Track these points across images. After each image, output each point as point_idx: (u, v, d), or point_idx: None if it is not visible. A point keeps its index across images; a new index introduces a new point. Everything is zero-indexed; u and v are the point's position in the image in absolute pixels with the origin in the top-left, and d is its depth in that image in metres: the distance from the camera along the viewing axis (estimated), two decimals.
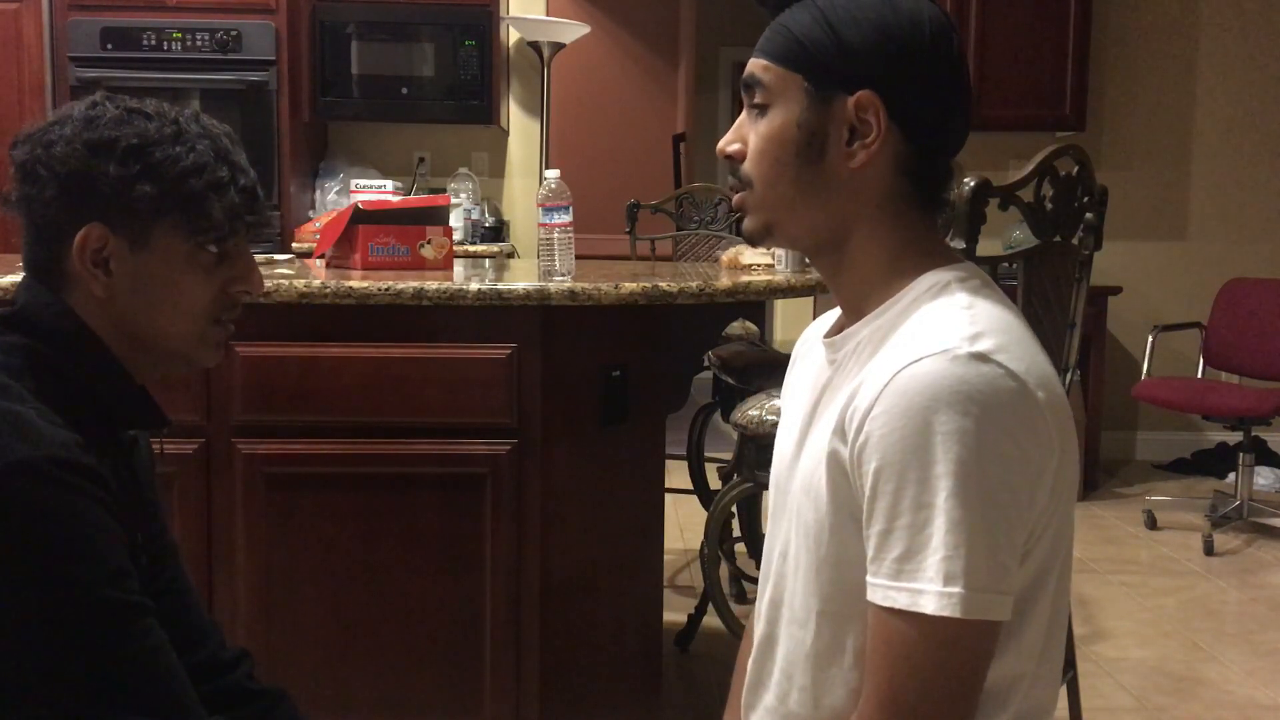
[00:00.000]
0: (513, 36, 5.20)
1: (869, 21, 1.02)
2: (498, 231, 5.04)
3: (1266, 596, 3.61)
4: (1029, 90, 4.96)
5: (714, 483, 3.10)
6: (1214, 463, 5.20)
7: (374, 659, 2.07)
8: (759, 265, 2.50)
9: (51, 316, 1.12)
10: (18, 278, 1.18)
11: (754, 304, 3.12)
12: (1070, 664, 2.24)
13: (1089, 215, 1.97)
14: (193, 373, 1.98)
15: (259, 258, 1.89)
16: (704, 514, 2.79)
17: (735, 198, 1.11)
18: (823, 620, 1.06)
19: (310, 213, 4.81)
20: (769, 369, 2.84)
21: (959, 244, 1.76)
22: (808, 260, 1.58)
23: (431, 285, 1.98)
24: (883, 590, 0.95)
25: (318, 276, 2.08)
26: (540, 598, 2.09)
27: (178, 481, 2.01)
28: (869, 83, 1.02)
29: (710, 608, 2.86)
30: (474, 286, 1.98)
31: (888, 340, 1.01)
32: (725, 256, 2.72)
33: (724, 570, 3.22)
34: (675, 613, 3.04)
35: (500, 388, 2.03)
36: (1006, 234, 4.83)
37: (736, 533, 3.17)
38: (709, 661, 2.98)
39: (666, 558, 2.96)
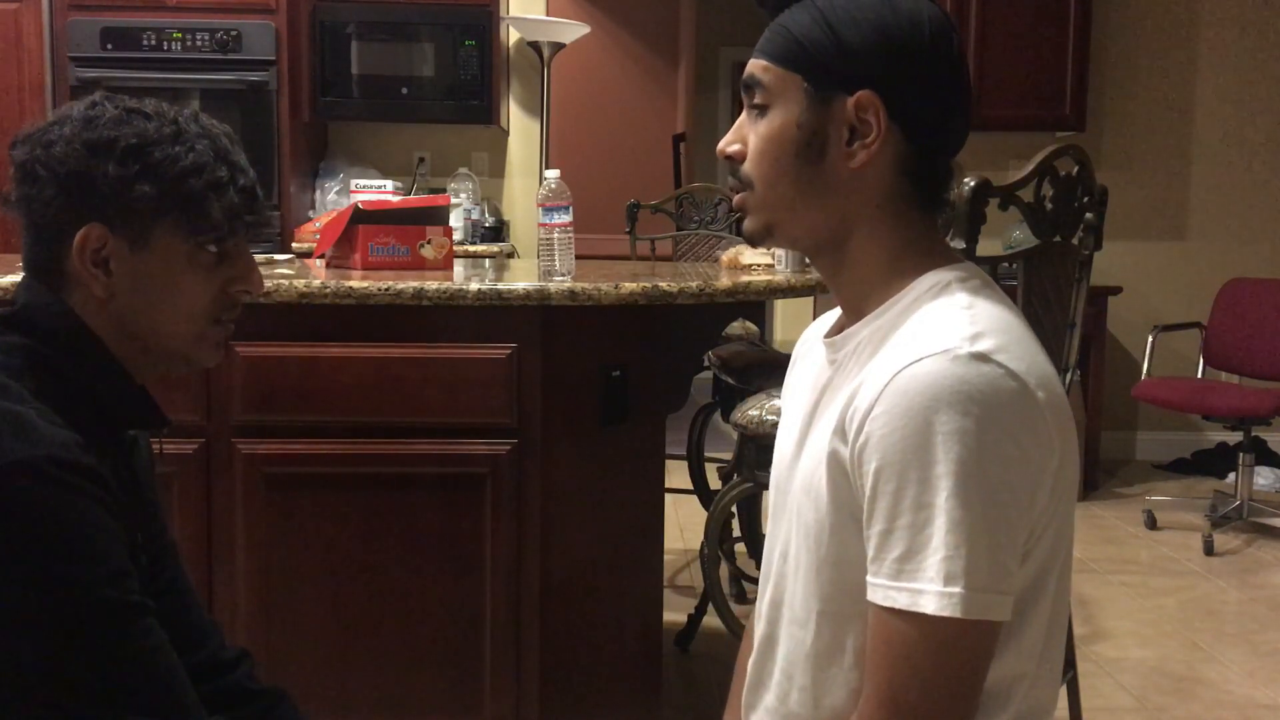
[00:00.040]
0: (513, 36, 5.20)
1: (868, 22, 1.02)
2: (498, 231, 5.04)
3: (1266, 596, 3.61)
4: (1029, 90, 4.96)
5: (714, 483, 3.10)
6: (1214, 463, 5.20)
7: (374, 659, 2.07)
8: (759, 265, 2.50)
9: (51, 316, 1.12)
10: (18, 278, 1.18)
11: (754, 304, 3.12)
12: (1070, 664, 2.25)
13: (1089, 215, 1.97)
14: (193, 373, 1.98)
15: (259, 258, 1.89)
16: (704, 514, 2.79)
17: (736, 198, 1.11)
18: (823, 620, 1.06)
19: (310, 213, 4.81)
20: (769, 369, 2.84)
21: (959, 244, 1.77)
22: (808, 260, 1.58)
23: (431, 285, 1.98)
24: (883, 590, 0.95)
25: (318, 276, 2.08)
26: (540, 598, 2.09)
27: (178, 481, 2.01)
28: (869, 83, 1.02)
29: (710, 608, 2.86)
30: (474, 286, 1.98)
31: (888, 340, 1.01)
32: (725, 256, 2.72)
33: (724, 570, 3.23)
34: (675, 613, 3.04)
35: (500, 388, 2.03)
36: (1006, 234, 4.83)
37: (736, 533, 3.17)
38: (709, 661, 2.98)
39: (666, 558, 2.97)
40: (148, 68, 4.41)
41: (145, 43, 4.42)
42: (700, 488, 3.30)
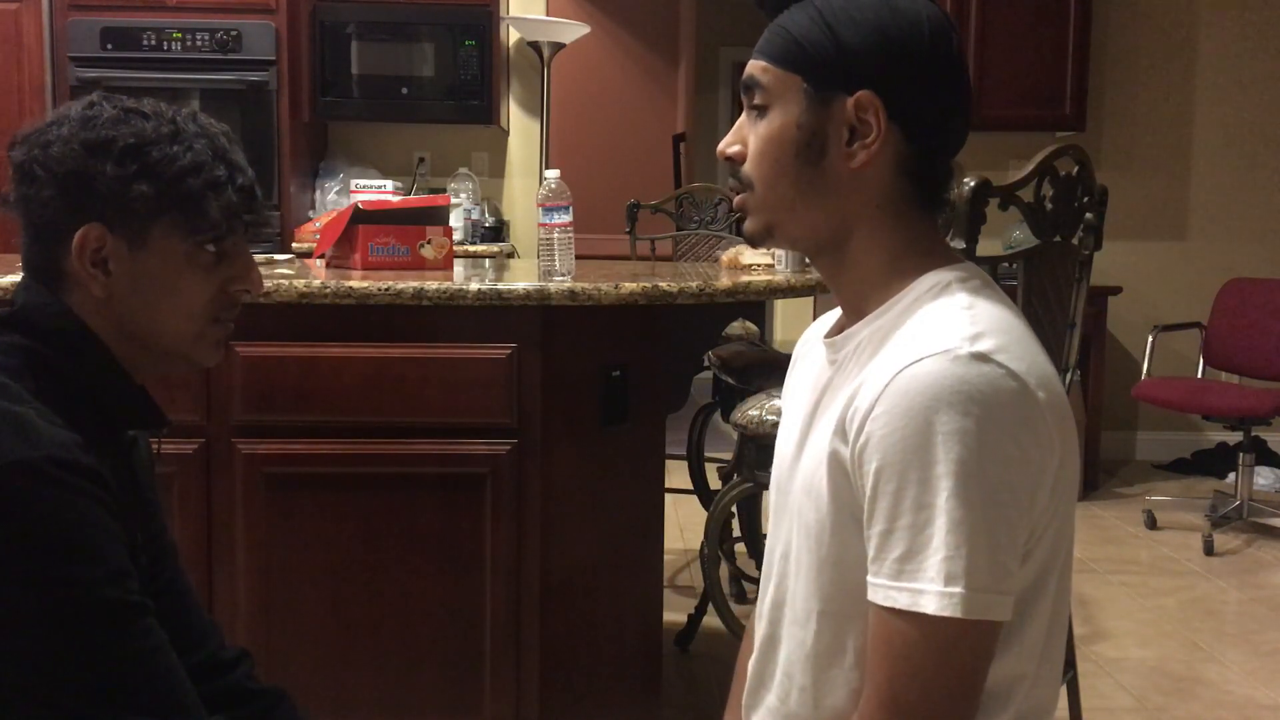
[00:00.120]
0: (513, 36, 5.20)
1: (867, 22, 1.02)
2: (498, 231, 5.04)
3: (1266, 596, 3.61)
4: (1029, 90, 4.96)
5: (714, 483, 3.10)
6: (1214, 463, 5.20)
7: (374, 659, 2.07)
8: (759, 265, 2.50)
9: (50, 317, 1.12)
10: (17, 278, 1.17)
11: (754, 304, 3.12)
12: (1070, 664, 2.24)
13: (1089, 215, 1.97)
14: (193, 373, 1.98)
15: (259, 258, 1.89)
16: (704, 514, 2.79)
17: (736, 199, 1.11)
18: (823, 620, 1.06)
19: (310, 213, 4.81)
20: (769, 369, 2.84)
21: (959, 244, 1.76)
22: (808, 260, 1.58)
23: (431, 285, 1.98)
24: (883, 590, 0.95)
25: (318, 276, 2.08)
26: (540, 598, 2.09)
27: (178, 481, 2.01)
28: (868, 83, 1.02)
29: (710, 608, 2.86)
30: (474, 286, 1.98)
31: (888, 340, 1.01)
32: (725, 256, 2.72)
33: (724, 570, 3.22)
34: (675, 613, 3.04)
35: (500, 388, 2.03)
36: (1006, 234, 4.83)
37: (736, 533, 3.17)
38: (709, 661, 2.98)
39: (666, 558, 2.97)
40: (148, 68, 4.41)
41: (145, 43, 4.42)
42: (700, 488, 3.30)
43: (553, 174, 2.15)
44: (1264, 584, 3.73)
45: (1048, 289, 1.98)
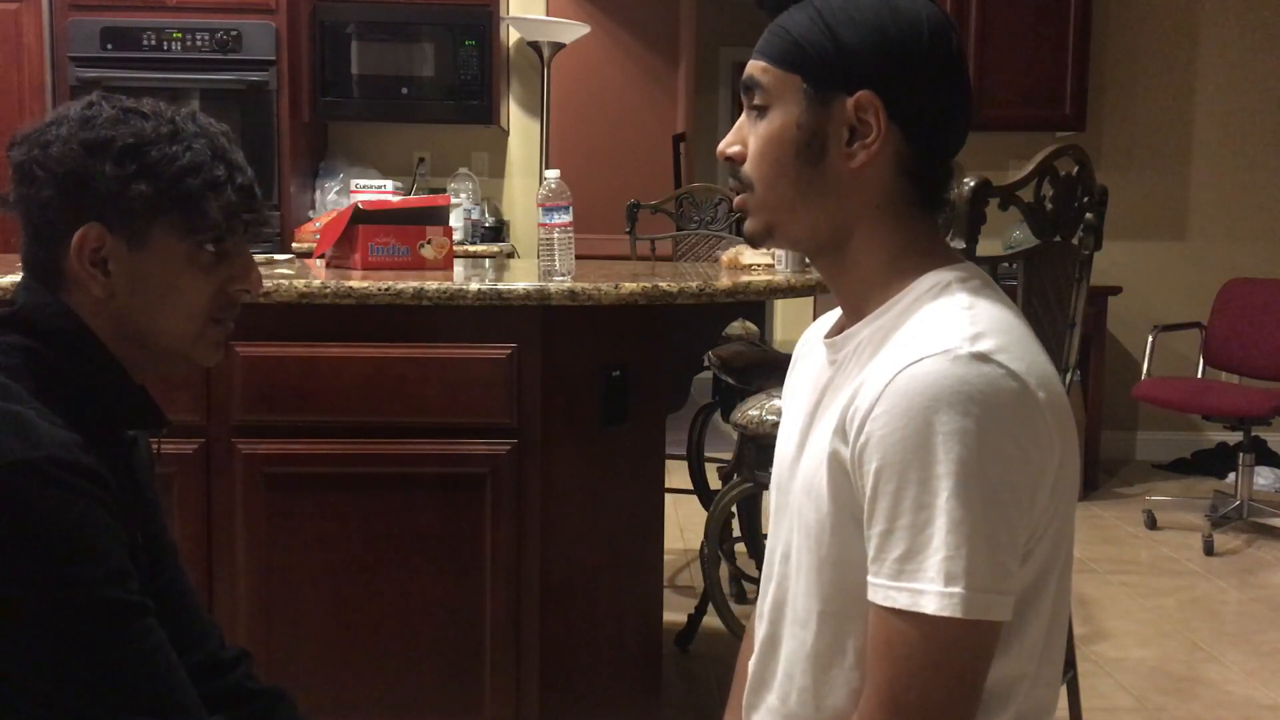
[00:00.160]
0: (513, 36, 5.20)
1: (867, 22, 1.02)
2: (498, 231, 5.04)
3: (1266, 596, 3.61)
4: (1029, 90, 4.96)
5: (714, 483, 3.10)
6: (1214, 463, 5.20)
7: (374, 659, 2.07)
8: (759, 265, 2.50)
9: (50, 316, 1.12)
10: (17, 278, 1.17)
11: (754, 304, 3.12)
12: (1070, 664, 2.24)
13: (1089, 215, 1.97)
14: (193, 373, 1.98)
15: (259, 258, 1.89)
16: (704, 514, 2.79)
17: (736, 199, 1.11)
18: (824, 621, 1.06)
19: (310, 213, 4.81)
20: (769, 369, 2.84)
21: (959, 244, 1.76)
22: (808, 260, 1.58)
23: (431, 285, 1.98)
24: (884, 590, 0.95)
25: (318, 276, 2.08)
26: (540, 598, 2.09)
27: (178, 481, 2.01)
28: (868, 83, 1.02)
29: (710, 608, 2.86)
30: (474, 286, 1.98)
31: (888, 340, 1.01)
32: (725, 256, 2.72)
33: (724, 570, 3.22)
34: (675, 613, 3.04)
35: (500, 388, 2.03)
36: (1006, 234, 4.83)
37: (736, 533, 3.17)
38: (709, 661, 2.98)
39: (666, 558, 2.96)
40: (148, 68, 4.41)
41: (145, 43, 4.42)
42: (700, 488, 3.30)
43: (553, 174, 2.15)
44: (1264, 584, 3.73)
45: (1048, 289, 1.98)
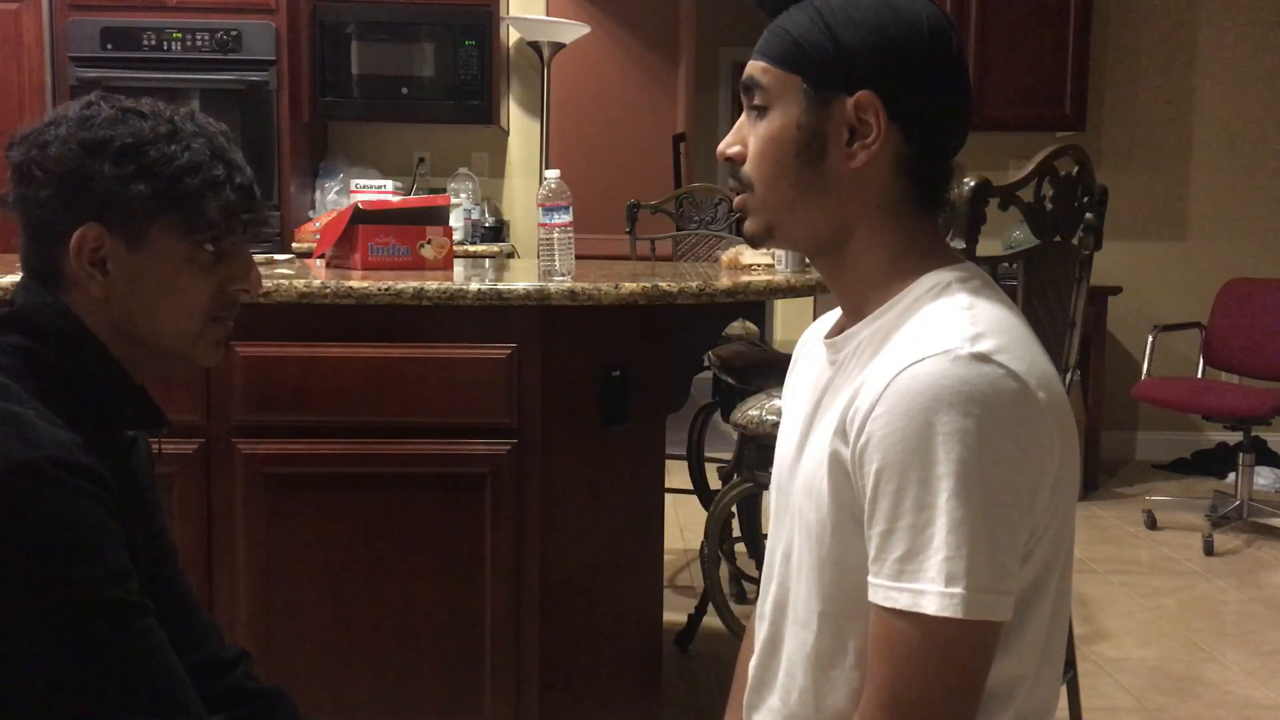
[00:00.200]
0: (513, 36, 5.20)
1: (867, 22, 1.02)
2: (498, 231, 5.04)
3: (1266, 596, 3.61)
4: (1029, 90, 4.96)
5: (714, 483, 3.10)
6: (1214, 463, 5.20)
7: (374, 659, 2.07)
8: (759, 265, 2.50)
9: (49, 317, 1.12)
10: (17, 278, 1.17)
11: (754, 304, 3.12)
12: (1070, 664, 2.24)
13: (1089, 215, 1.97)
14: (193, 373, 1.98)
15: (259, 258, 1.88)
16: (704, 514, 2.79)
17: (736, 199, 1.11)
18: (825, 621, 1.06)
19: (310, 213, 4.81)
20: (769, 369, 2.84)
21: (959, 244, 1.76)
22: (808, 260, 1.58)
23: (431, 285, 1.98)
24: (884, 590, 0.95)
25: (318, 276, 2.08)
26: (540, 598, 2.09)
27: (178, 481, 2.01)
28: (868, 83, 1.02)
29: (710, 608, 2.86)
30: (474, 286, 1.98)
31: (889, 341, 1.01)
32: (725, 256, 2.72)
33: (724, 570, 3.22)
34: (675, 613, 3.04)
35: (500, 388, 2.03)
36: (1006, 234, 4.83)
37: (736, 533, 3.17)
38: (709, 661, 2.98)
39: (666, 558, 2.96)
40: (147, 68, 4.41)
41: (145, 43, 4.42)
42: (700, 488, 3.30)
43: (553, 174, 2.15)
44: (1264, 584, 3.73)
45: (1048, 289, 1.98)
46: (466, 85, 4.75)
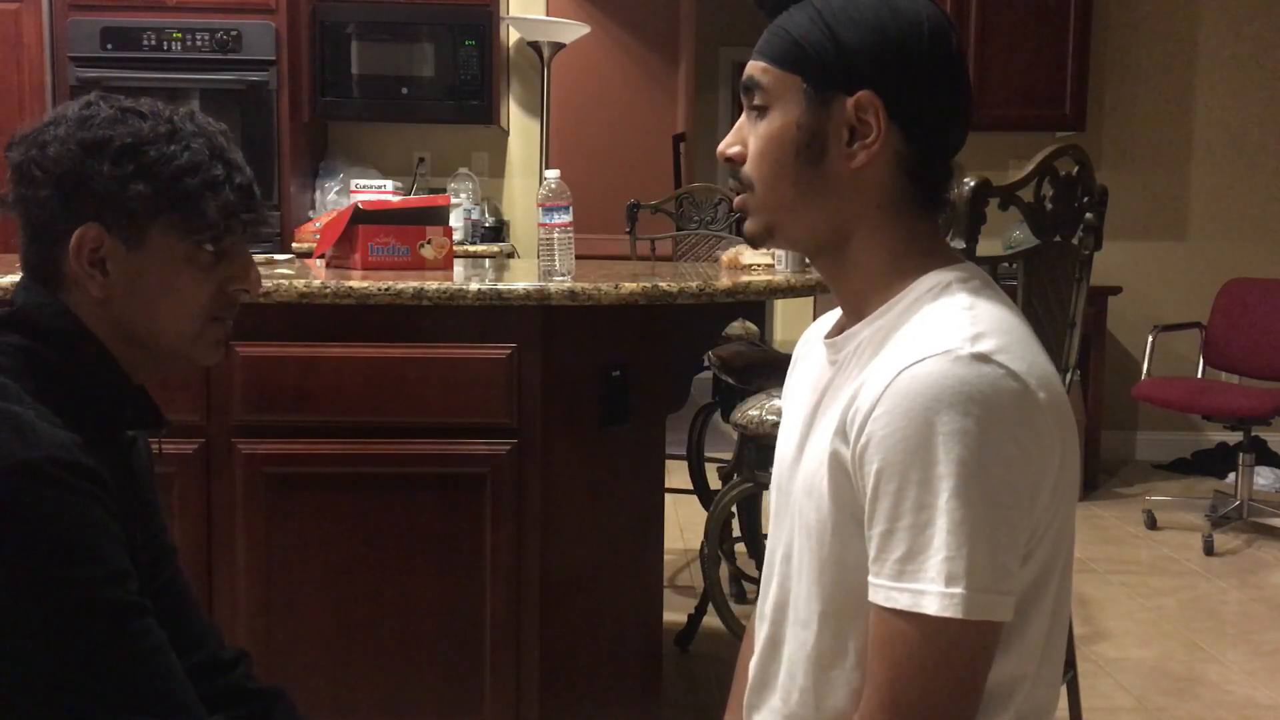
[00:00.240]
0: (513, 36, 5.20)
1: (867, 22, 1.02)
2: (498, 231, 5.04)
3: (1266, 596, 3.61)
4: (1029, 90, 4.96)
5: (714, 483, 3.10)
6: (1214, 463, 5.20)
7: (374, 659, 2.07)
8: (759, 265, 2.50)
9: (49, 317, 1.12)
10: (16, 278, 1.17)
11: (754, 304, 3.12)
12: (1070, 664, 2.24)
13: (1089, 215, 1.97)
14: (193, 373, 1.98)
15: (259, 258, 1.88)
16: (704, 514, 2.79)
17: (736, 200, 1.11)
18: (825, 621, 1.06)
19: (310, 213, 4.81)
20: (769, 369, 2.84)
21: (959, 244, 1.76)
22: (808, 261, 1.58)
23: (431, 285, 1.98)
24: (884, 591, 0.95)
25: (318, 276, 2.08)
26: (540, 598, 2.09)
27: (178, 481, 2.01)
28: (868, 83, 1.02)
29: (710, 608, 2.86)
30: (474, 286, 1.98)
31: (889, 341, 1.01)
32: (725, 256, 2.72)
33: (724, 570, 3.22)
34: (675, 613, 3.04)
35: (500, 388, 2.03)
36: (1006, 234, 4.83)
37: (736, 533, 3.17)
38: (709, 661, 2.98)
39: (666, 558, 2.96)
40: (148, 68, 4.41)
41: (145, 43, 4.42)
42: (700, 488, 3.30)
43: (553, 174, 2.15)
44: (1264, 584, 3.73)
45: (1048, 289, 1.98)
46: (466, 85, 4.75)
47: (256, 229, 1.22)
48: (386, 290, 1.97)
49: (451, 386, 2.02)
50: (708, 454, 3.35)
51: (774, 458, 1.20)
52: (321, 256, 2.56)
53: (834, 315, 1.19)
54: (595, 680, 2.21)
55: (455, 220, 4.72)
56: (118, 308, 1.13)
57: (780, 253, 2.48)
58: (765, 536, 1.36)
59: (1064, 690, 2.30)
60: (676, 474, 3.04)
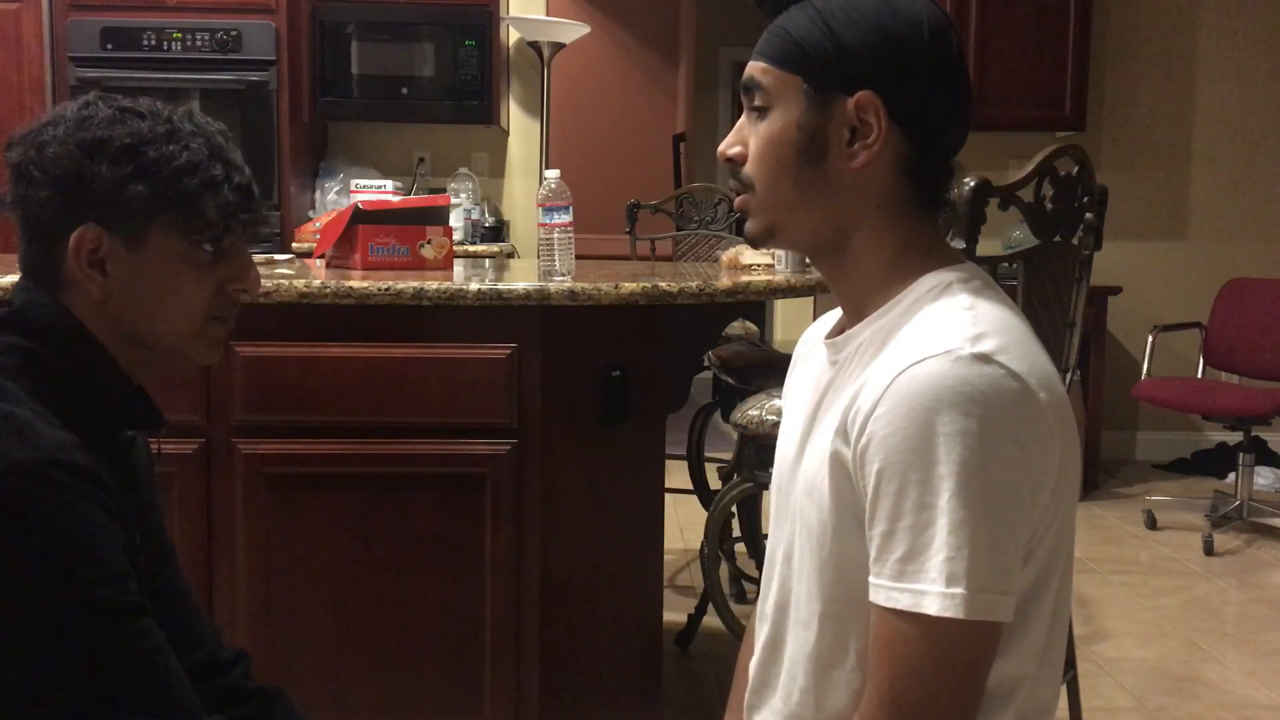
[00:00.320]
0: (513, 36, 5.20)
1: (867, 22, 1.02)
2: (498, 231, 5.04)
3: (1266, 596, 3.61)
4: (1029, 90, 4.96)
5: (714, 483, 3.10)
6: (1214, 463, 5.20)
7: (374, 659, 2.07)
8: (759, 265, 2.50)
9: (48, 317, 1.12)
10: (16, 278, 1.17)
11: (754, 304, 3.12)
12: (1070, 664, 2.24)
13: (1089, 215, 1.97)
14: (193, 373, 1.98)
15: (259, 258, 1.88)
16: (704, 514, 2.79)
17: (737, 200, 1.11)
18: (825, 622, 1.06)
19: (310, 213, 4.81)
20: (769, 369, 2.84)
21: (959, 244, 1.76)
22: (809, 261, 1.58)
23: (431, 285, 1.98)
24: (885, 591, 0.95)
25: (318, 276, 2.08)
26: (540, 598, 2.08)
27: (178, 481, 2.01)
28: (868, 83, 1.02)
29: (710, 608, 2.86)
30: (474, 286, 1.98)
31: (890, 341, 1.01)
32: (725, 256, 2.72)
33: (724, 570, 3.22)
34: (675, 613, 3.04)
35: (500, 388, 2.03)
36: (1006, 234, 4.83)
37: (736, 533, 3.17)
38: (709, 661, 2.98)
39: (666, 558, 2.96)
40: (148, 68, 4.41)
41: (145, 43, 4.42)
42: (700, 488, 3.30)
43: (553, 174, 2.15)
44: (1264, 584, 3.73)
45: (1048, 289, 1.98)
46: (466, 85, 4.75)
47: (256, 229, 1.21)
48: (386, 290, 1.97)
49: (451, 386, 2.02)
50: (708, 454, 3.35)
51: (774, 458, 1.20)
52: (321, 256, 2.56)
53: (834, 315, 1.19)
54: (595, 680, 2.21)
55: (455, 220, 4.72)
56: (117, 308, 1.13)
57: (780, 253, 2.48)
58: (765, 536, 1.36)
59: (1064, 690, 2.30)
60: (676, 474, 3.04)
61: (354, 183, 4.65)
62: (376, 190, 4.54)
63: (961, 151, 1.09)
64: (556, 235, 2.13)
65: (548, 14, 5.21)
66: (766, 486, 1.82)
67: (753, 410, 2.39)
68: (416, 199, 4.10)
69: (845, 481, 1.01)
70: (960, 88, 1.06)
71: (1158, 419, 5.37)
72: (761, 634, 1.17)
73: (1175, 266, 5.40)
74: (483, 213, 5.03)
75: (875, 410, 0.96)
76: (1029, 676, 1.02)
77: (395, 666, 2.07)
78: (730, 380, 2.95)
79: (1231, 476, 4.62)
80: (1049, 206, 1.89)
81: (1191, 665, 3.02)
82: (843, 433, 1.00)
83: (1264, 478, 4.89)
